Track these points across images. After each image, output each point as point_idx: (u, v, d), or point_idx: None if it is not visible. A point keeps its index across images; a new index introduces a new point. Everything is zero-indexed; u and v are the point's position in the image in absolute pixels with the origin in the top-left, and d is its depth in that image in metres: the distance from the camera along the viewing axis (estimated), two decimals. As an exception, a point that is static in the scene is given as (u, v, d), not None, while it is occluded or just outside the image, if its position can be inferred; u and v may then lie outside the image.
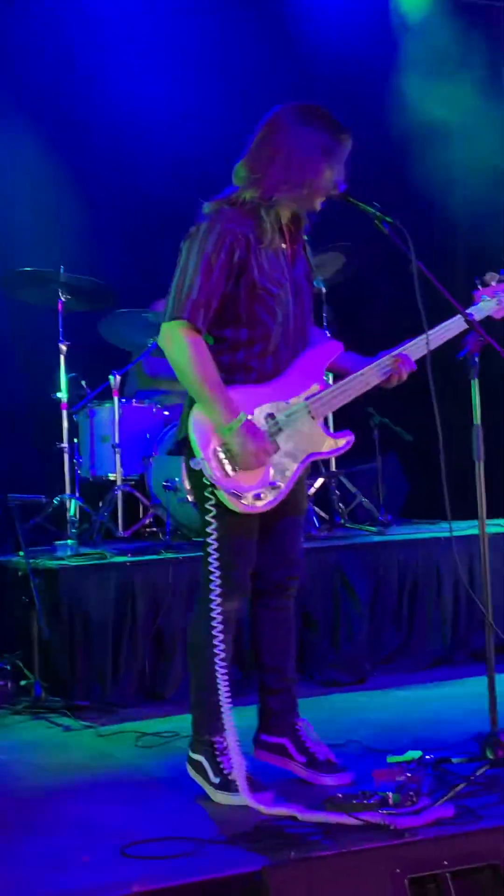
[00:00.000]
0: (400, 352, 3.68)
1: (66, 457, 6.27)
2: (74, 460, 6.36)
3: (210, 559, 3.40)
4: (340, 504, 6.57)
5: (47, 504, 6.17)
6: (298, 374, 3.58)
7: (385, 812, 3.14)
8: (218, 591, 3.40)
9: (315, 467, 6.65)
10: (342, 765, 3.68)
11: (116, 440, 6.19)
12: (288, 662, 3.78)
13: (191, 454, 3.45)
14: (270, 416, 3.51)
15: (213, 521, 3.42)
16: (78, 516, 6.24)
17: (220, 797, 3.48)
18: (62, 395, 6.32)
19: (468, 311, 3.70)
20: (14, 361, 7.24)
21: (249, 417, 3.45)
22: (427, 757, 3.57)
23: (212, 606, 3.39)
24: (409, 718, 4.60)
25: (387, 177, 7.21)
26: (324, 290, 6.73)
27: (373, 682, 5.41)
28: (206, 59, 7.71)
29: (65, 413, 6.33)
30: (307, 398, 3.57)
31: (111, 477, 6.27)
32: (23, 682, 5.02)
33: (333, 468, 6.68)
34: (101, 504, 6.24)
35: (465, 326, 3.68)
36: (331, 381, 3.70)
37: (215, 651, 3.37)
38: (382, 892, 2.55)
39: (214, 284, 3.42)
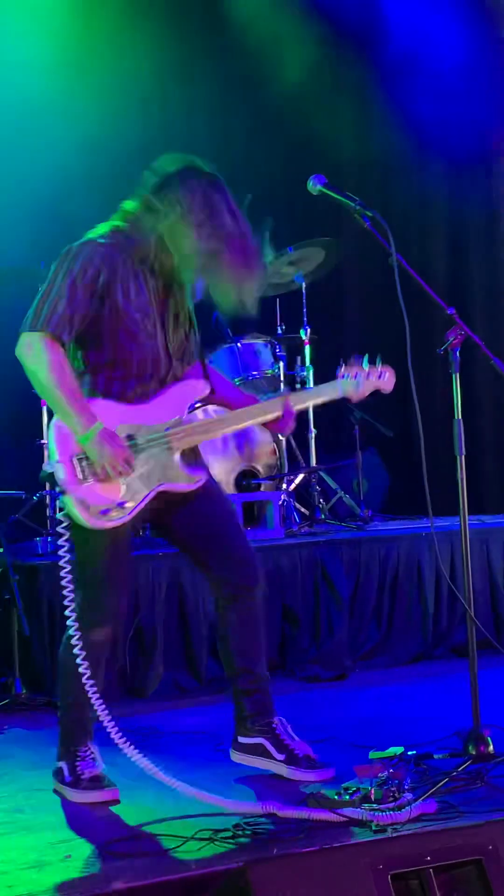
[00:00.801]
0: (287, 399, 3.71)
1: (45, 453, 6.24)
2: (54, 456, 6.32)
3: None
4: (321, 500, 6.56)
5: (27, 500, 6.15)
6: (164, 404, 3.57)
7: (367, 808, 3.14)
8: (74, 614, 3.43)
9: (295, 463, 6.65)
10: (322, 760, 3.68)
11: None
12: (258, 663, 3.75)
13: (48, 458, 3.47)
14: (130, 436, 3.50)
15: (65, 531, 3.43)
16: (58, 513, 6.21)
17: (71, 794, 3.55)
18: (41, 391, 6.28)
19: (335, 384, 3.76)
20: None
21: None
22: (409, 753, 3.57)
23: (70, 633, 3.46)
24: (390, 714, 4.60)
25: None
26: (304, 284, 6.72)
27: (354, 677, 5.41)
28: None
29: (44, 409, 6.30)
30: (167, 429, 3.56)
31: (91, 473, 6.24)
32: (2, 679, 5.00)
33: (314, 463, 6.67)
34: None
35: (335, 396, 3.77)
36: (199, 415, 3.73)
37: (82, 679, 3.43)
38: (365, 889, 2.54)
39: (79, 303, 3.43)
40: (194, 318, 3.71)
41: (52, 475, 3.44)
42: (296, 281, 6.73)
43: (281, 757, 3.67)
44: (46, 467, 3.44)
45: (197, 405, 3.69)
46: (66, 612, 3.45)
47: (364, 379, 3.75)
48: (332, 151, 7.68)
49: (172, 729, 4.46)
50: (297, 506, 6.48)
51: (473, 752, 3.48)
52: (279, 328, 6.84)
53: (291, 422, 3.72)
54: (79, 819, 3.40)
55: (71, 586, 3.43)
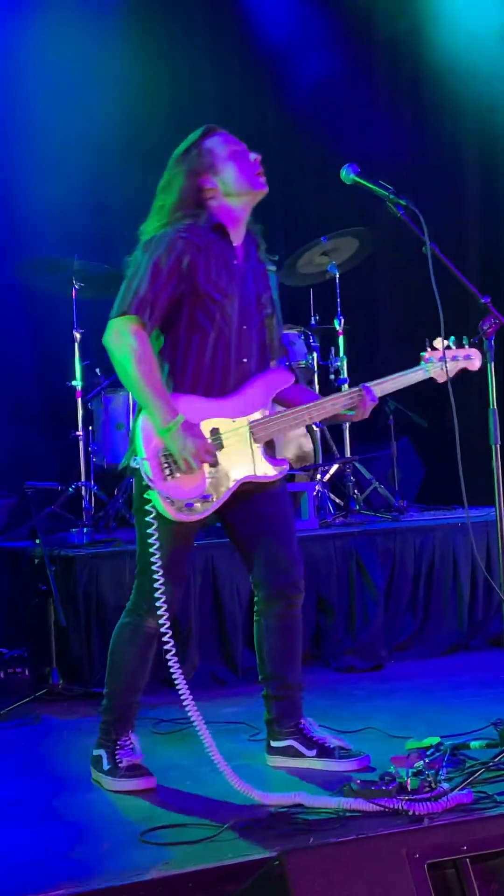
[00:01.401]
0: (364, 385, 3.70)
1: (80, 444, 6.27)
2: (89, 448, 6.36)
3: (153, 567, 3.43)
4: (356, 490, 6.55)
5: (63, 491, 6.18)
6: (248, 396, 3.61)
7: (403, 798, 3.14)
8: (164, 598, 3.46)
9: (330, 453, 6.64)
10: (356, 750, 3.68)
11: (131, 428, 6.17)
12: (292, 670, 3.76)
13: (134, 454, 3.48)
14: (215, 430, 3.53)
15: (153, 521, 3.44)
16: (93, 504, 6.25)
17: (109, 783, 3.58)
18: (77, 382, 6.32)
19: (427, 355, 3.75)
20: (29, 350, 7.24)
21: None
22: (445, 743, 3.57)
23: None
24: (426, 704, 4.59)
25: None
26: (337, 274, 6.70)
27: (389, 668, 5.40)
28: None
29: (79, 401, 6.33)
30: (251, 422, 3.58)
31: (126, 464, 6.26)
32: (39, 670, 5.02)
33: (348, 454, 6.66)
34: (115, 491, 6.23)
35: (422, 378, 3.76)
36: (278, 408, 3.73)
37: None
38: (401, 878, 2.54)
39: (162, 284, 3.47)
40: (278, 308, 3.74)
41: (131, 468, 3.48)
42: (329, 271, 6.71)
43: (312, 753, 3.68)
44: (133, 462, 3.46)
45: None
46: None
47: (450, 360, 3.75)
48: (365, 141, 7.67)
49: (209, 719, 4.43)
50: (332, 496, 6.47)
51: (510, 742, 3.47)
52: (313, 318, 6.83)
53: (370, 409, 3.71)
54: (115, 808, 3.42)
55: (160, 571, 3.44)
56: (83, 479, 6.23)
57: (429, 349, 3.76)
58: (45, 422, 7.16)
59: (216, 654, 5.25)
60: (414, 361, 3.77)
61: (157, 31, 7.59)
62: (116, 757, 3.60)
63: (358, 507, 6.42)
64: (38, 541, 5.10)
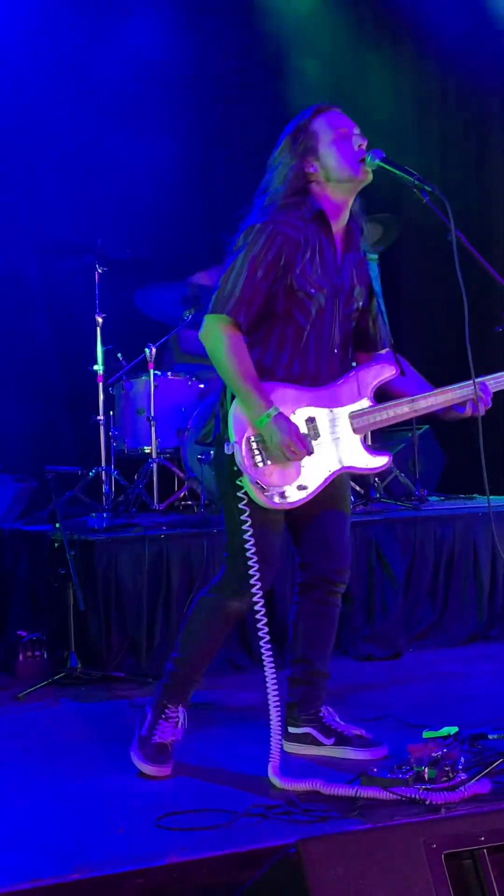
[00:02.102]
0: (482, 381, 3.61)
1: (101, 429, 6.27)
2: (110, 433, 6.36)
3: (248, 552, 3.42)
4: (376, 479, 6.53)
5: (83, 476, 6.19)
6: (349, 387, 3.58)
7: (421, 787, 3.13)
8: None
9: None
10: (374, 739, 3.67)
11: (152, 413, 6.18)
12: (321, 658, 3.76)
13: (226, 438, 3.46)
14: (311, 419, 3.51)
15: (246, 508, 3.43)
16: (113, 488, 6.25)
17: (133, 753, 3.60)
18: (98, 367, 6.32)
19: None
20: (50, 334, 7.24)
21: (291, 416, 3.46)
22: (463, 733, 3.55)
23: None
24: (445, 694, 4.58)
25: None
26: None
27: (408, 657, 5.39)
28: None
29: (101, 385, 6.33)
30: (351, 413, 3.56)
31: (146, 450, 6.27)
32: (58, 654, 5.03)
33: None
34: (136, 476, 6.24)
35: None
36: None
37: (262, 643, 3.42)
38: (419, 868, 2.53)
39: (258, 284, 3.45)
40: (381, 298, 3.72)
41: (222, 451, 3.47)
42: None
43: (330, 741, 3.68)
44: (226, 448, 3.44)
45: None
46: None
47: None
48: (391, 127, 7.63)
49: (227, 705, 4.47)
50: (353, 484, 6.45)
51: (528, 734, 3.46)
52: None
53: (483, 408, 3.62)
54: (131, 792, 3.42)
55: (253, 553, 3.43)
56: (103, 463, 6.24)
57: None
58: (66, 406, 7.17)
59: (234, 640, 5.25)
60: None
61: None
62: (157, 727, 3.60)
63: (378, 496, 6.40)
64: (57, 525, 5.10)
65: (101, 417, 6.27)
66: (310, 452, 3.47)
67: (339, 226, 3.60)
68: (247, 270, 3.45)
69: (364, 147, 3.54)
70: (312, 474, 3.49)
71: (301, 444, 3.42)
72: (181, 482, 6.37)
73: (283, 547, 3.65)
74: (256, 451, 3.43)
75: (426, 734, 3.61)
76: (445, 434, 7.53)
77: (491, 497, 3.62)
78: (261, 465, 3.43)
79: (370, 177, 3.54)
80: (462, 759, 3.29)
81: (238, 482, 3.45)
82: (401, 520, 5.78)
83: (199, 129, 7.55)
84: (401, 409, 3.63)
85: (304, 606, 3.76)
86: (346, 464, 3.55)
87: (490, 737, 3.56)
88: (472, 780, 3.17)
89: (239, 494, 3.44)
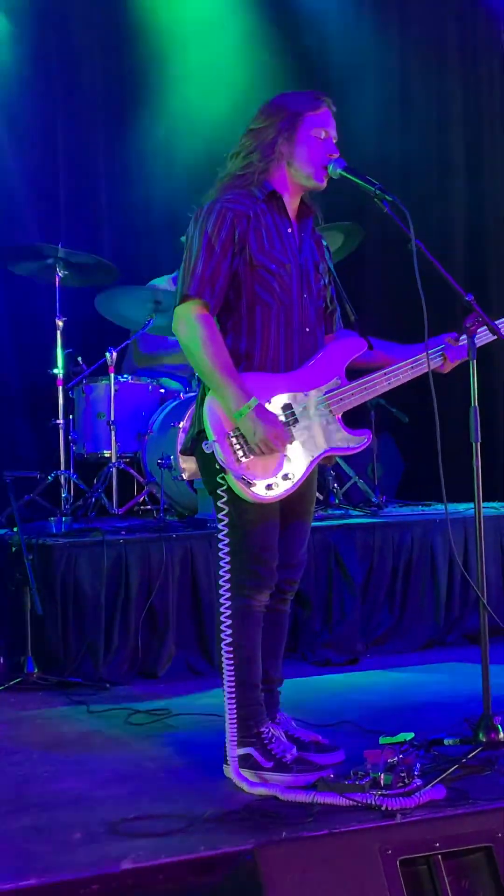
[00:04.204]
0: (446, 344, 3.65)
1: (61, 433, 6.25)
2: (70, 437, 6.34)
3: (220, 550, 3.41)
4: (335, 484, 6.56)
5: (42, 480, 6.17)
6: (319, 367, 3.55)
7: (377, 793, 3.14)
8: (226, 584, 3.42)
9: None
10: (331, 744, 3.68)
11: (112, 417, 6.17)
12: (272, 664, 3.71)
13: (203, 438, 3.43)
14: (287, 406, 3.48)
15: (224, 506, 3.41)
16: (72, 493, 6.23)
17: (283, 779, 3.40)
18: (58, 371, 6.29)
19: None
20: (10, 337, 7.21)
21: (267, 405, 3.42)
22: (419, 738, 3.57)
23: (222, 601, 3.44)
24: (401, 699, 4.60)
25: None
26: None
27: (366, 662, 5.41)
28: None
29: (60, 389, 6.30)
30: (327, 392, 3.54)
31: (106, 454, 6.26)
32: (15, 658, 5.01)
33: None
34: (95, 481, 6.23)
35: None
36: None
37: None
38: (374, 873, 2.55)
39: (218, 261, 3.43)
40: (336, 278, 3.70)
41: (202, 450, 3.42)
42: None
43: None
44: (205, 447, 3.39)
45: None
46: (220, 582, 3.45)
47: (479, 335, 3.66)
48: (353, 138, 7.66)
49: (185, 710, 4.47)
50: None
51: (484, 740, 3.48)
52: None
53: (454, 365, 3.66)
54: (87, 798, 3.40)
55: (225, 552, 3.41)
56: (63, 467, 6.22)
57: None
58: (25, 410, 7.14)
59: (193, 645, 5.25)
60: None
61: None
62: (273, 751, 3.45)
63: (337, 501, 6.43)
64: (15, 529, 5.08)
65: (60, 421, 6.25)
66: (290, 441, 3.45)
67: (293, 207, 3.60)
68: (203, 250, 3.43)
69: (333, 157, 3.56)
70: (296, 462, 3.45)
71: (283, 435, 3.40)
72: (141, 487, 6.36)
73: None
74: (237, 447, 3.38)
75: (382, 740, 3.61)
76: (405, 440, 7.58)
77: (448, 504, 3.65)
78: (243, 460, 3.38)
79: (323, 186, 3.58)
80: (418, 765, 3.30)
81: (219, 480, 3.42)
82: (360, 526, 5.81)
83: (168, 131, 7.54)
84: (377, 383, 3.62)
85: None
86: (328, 446, 3.51)
87: (446, 742, 3.58)
88: (428, 786, 3.18)
89: (222, 493, 3.41)
